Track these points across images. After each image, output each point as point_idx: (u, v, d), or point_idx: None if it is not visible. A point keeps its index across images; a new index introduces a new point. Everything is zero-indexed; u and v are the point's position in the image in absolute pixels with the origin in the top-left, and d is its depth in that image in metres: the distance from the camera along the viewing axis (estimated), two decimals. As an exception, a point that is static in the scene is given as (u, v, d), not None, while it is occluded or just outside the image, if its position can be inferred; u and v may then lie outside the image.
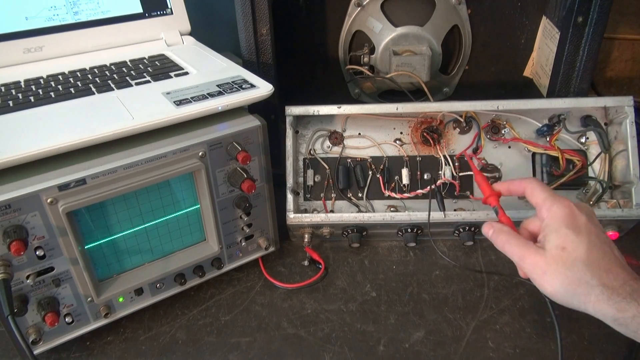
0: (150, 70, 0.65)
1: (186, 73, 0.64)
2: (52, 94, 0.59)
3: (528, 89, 0.88)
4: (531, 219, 0.53)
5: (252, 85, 0.59)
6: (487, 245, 0.71)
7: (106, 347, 0.58)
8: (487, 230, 0.54)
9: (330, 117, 0.72)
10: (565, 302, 0.47)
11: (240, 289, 0.66)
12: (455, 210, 0.70)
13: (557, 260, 0.46)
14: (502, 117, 0.71)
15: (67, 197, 0.49)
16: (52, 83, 0.63)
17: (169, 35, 0.75)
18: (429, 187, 0.69)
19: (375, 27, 0.82)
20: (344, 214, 0.69)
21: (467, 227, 0.68)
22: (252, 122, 0.58)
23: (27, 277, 0.50)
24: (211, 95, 0.57)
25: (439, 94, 0.91)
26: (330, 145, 0.73)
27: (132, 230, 0.57)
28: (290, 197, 0.69)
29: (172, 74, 0.64)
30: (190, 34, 0.78)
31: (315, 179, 0.72)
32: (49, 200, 0.48)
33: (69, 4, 0.69)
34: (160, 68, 0.66)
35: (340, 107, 0.68)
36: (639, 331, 0.43)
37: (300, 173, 0.72)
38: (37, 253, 0.50)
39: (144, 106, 0.56)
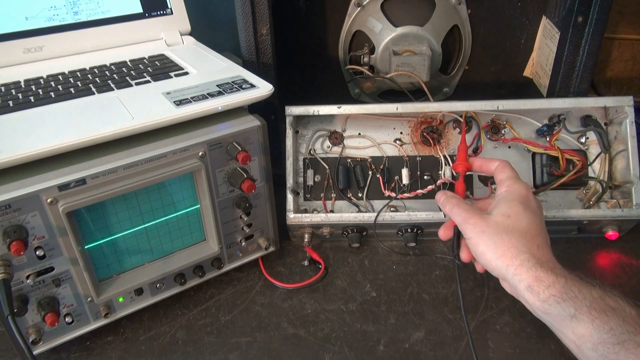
0: (150, 70, 0.65)
1: (186, 73, 0.64)
2: (52, 94, 0.59)
3: (528, 89, 0.88)
4: (481, 200, 0.60)
5: (252, 85, 0.59)
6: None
7: (106, 347, 0.58)
8: (439, 197, 0.59)
9: (330, 117, 0.72)
10: (490, 262, 0.51)
11: (240, 289, 0.66)
12: (455, 210, 0.70)
13: (498, 224, 0.51)
14: (502, 117, 0.71)
15: (67, 197, 0.49)
16: (52, 83, 0.63)
17: (169, 35, 0.75)
18: (429, 187, 0.69)
19: (375, 27, 0.82)
20: (344, 214, 0.69)
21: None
22: (252, 122, 0.58)
23: (27, 277, 0.50)
24: (211, 95, 0.57)
25: (439, 94, 0.91)
26: (330, 145, 0.73)
27: (132, 230, 0.57)
28: (290, 197, 0.69)
29: (172, 74, 0.64)
30: (190, 34, 0.78)
31: (315, 179, 0.72)
32: (49, 200, 0.48)
33: (69, 4, 0.69)
34: (160, 68, 0.66)
35: (340, 107, 0.68)
36: (547, 301, 0.46)
37: (300, 173, 0.72)
38: (37, 253, 0.50)
39: (144, 106, 0.56)
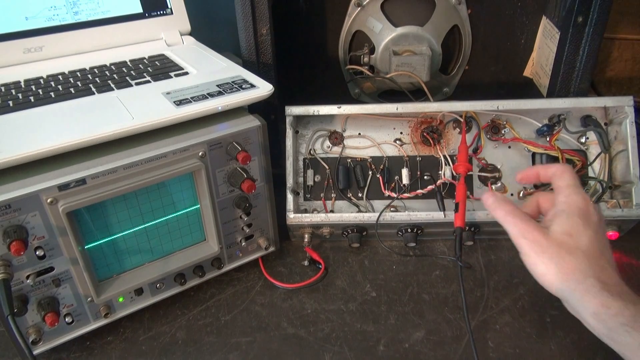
0: (150, 70, 0.65)
1: (186, 73, 0.64)
2: (52, 94, 0.59)
3: (528, 89, 0.88)
4: (546, 194, 0.54)
5: (252, 85, 0.59)
6: (487, 245, 0.71)
7: (106, 347, 0.58)
8: (487, 199, 0.54)
9: (330, 117, 0.72)
10: (552, 284, 0.47)
11: (240, 289, 0.66)
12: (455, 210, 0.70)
13: (560, 243, 0.47)
14: (502, 117, 0.71)
15: (67, 197, 0.49)
16: (52, 83, 0.63)
17: (169, 35, 0.75)
18: (429, 187, 0.69)
19: (375, 27, 0.82)
20: (344, 214, 0.69)
21: (467, 227, 0.68)
22: (252, 122, 0.58)
23: (27, 277, 0.50)
24: (211, 95, 0.57)
25: (439, 94, 0.91)
26: (330, 145, 0.73)
27: (132, 230, 0.57)
28: (290, 197, 0.69)
29: (172, 74, 0.64)
30: (190, 34, 0.78)
31: (315, 179, 0.72)
32: (49, 200, 0.48)
33: (69, 4, 0.69)
34: (160, 68, 0.66)
35: (340, 107, 0.68)
36: (615, 330, 0.43)
37: (300, 173, 0.72)
38: (37, 253, 0.50)
39: (144, 106, 0.56)
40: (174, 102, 0.56)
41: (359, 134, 0.73)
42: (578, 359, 0.55)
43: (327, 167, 0.72)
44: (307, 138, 0.72)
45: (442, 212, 0.67)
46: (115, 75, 0.64)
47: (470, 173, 0.71)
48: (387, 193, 0.71)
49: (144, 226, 0.57)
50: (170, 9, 0.75)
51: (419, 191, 0.69)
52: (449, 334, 0.59)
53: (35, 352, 0.54)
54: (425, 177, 0.72)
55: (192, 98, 0.56)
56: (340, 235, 0.71)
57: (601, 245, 0.48)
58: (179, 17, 0.76)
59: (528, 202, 0.55)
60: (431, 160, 0.72)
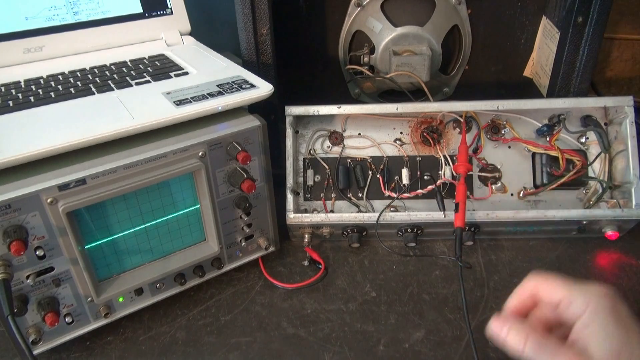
0: (150, 70, 0.65)
1: (186, 73, 0.64)
2: (52, 94, 0.59)
3: (528, 89, 0.88)
4: (541, 307, 0.45)
5: (252, 85, 0.59)
6: (487, 245, 0.71)
7: (106, 347, 0.58)
8: (500, 329, 0.44)
9: (330, 117, 0.72)
10: None
11: (240, 289, 0.66)
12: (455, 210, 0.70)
13: None
14: (502, 117, 0.71)
15: (67, 197, 0.49)
16: (52, 83, 0.63)
17: (169, 35, 0.75)
18: (429, 187, 0.69)
19: (375, 27, 0.82)
20: (344, 214, 0.69)
21: (467, 227, 0.68)
22: (252, 122, 0.58)
23: (27, 277, 0.50)
24: (211, 95, 0.57)
25: (439, 94, 0.91)
26: (330, 145, 0.73)
27: (132, 230, 0.57)
28: (290, 197, 0.69)
29: (172, 74, 0.64)
30: (190, 34, 0.78)
31: (315, 179, 0.72)
32: (49, 200, 0.48)
33: (69, 4, 0.69)
34: (160, 68, 0.66)
35: (340, 107, 0.68)
36: None
37: (300, 173, 0.72)
38: (37, 253, 0.50)
39: (144, 106, 0.56)
40: (174, 102, 0.56)
41: (359, 134, 0.73)
42: (578, 359, 0.55)
43: (327, 167, 0.72)
44: (307, 138, 0.72)
45: (442, 212, 0.67)
46: (115, 75, 0.64)
47: (470, 173, 0.71)
48: (387, 193, 0.71)
49: (144, 226, 0.57)
50: (170, 9, 0.75)
51: (419, 191, 0.69)
52: (449, 334, 0.59)
53: (35, 352, 0.54)
54: (425, 177, 0.72)
55: (192, 98, 0.56)
56: (340, 235, 0.71)
57: None
58: (179, 17, 0.76)
59: (532, 321, 0.45)
60: (431, 160, 0.72)
